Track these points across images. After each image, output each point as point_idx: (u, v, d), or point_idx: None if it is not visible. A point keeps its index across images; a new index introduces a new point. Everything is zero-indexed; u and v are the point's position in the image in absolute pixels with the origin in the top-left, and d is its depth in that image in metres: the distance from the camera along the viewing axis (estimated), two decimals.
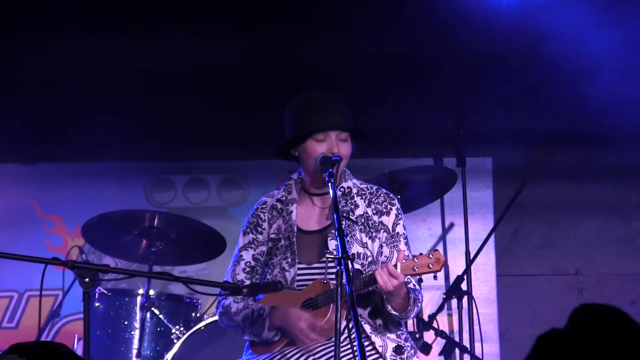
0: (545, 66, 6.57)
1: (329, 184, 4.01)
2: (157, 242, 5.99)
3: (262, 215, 4.38)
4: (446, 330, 6.71)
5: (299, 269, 4.22)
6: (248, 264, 4.33)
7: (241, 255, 4.35)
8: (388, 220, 4.27)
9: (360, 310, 4.14)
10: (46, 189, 7.15)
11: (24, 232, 7.05)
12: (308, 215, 4.32)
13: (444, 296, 6.42)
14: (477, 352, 6.25)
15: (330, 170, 4.05)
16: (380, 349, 4.12)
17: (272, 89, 6.61)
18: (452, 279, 6.49)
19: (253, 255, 4.34)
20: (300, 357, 4.09)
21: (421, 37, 6.56)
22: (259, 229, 4.36)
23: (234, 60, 6.68)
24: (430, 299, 6.86)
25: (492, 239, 6.80)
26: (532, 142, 6.90)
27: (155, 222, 5.95)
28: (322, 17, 6.49)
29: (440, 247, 7.11)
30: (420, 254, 4.07)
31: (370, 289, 4.07)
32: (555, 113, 6.82)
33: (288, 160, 4.41)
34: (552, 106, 6.82)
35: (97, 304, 5.89)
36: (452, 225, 7.14)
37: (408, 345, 4.19)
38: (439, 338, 6.14)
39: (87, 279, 3.44)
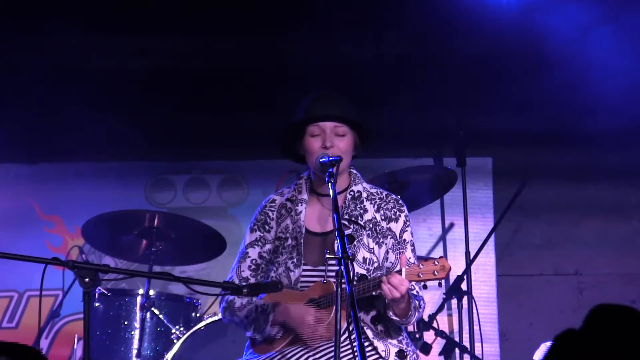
0: (545, 66, 6.57)
1: (329, 184, 3.99)
2: (157, 242, 5.99)
3: (270, 214, 4.35)
4: (446, 330, 6.71)
5: (304, 270, 4.21)
6: (254, 261, 4.31)
7: (247, 252, 4.33)
8: (396, 227, 4.26)
9: (362, 316, 4.14)
10: (46, 189, 7.15)
11: (24, 232, 7.05)
12: (316, 216, 4.29)
13: (444, 296, 6.42)
14: (477, 352, 6.25)
15: (330, 170, 4.02)
16: (383, 354, 4.11)
17: (272, 89, 6.62)
18: (452, 279, 6.48)
19: (259, 253, 4.32)
20: (300, 357, 4.08)
21: (421, 38, 6.56)
22: (267, 227, 4.33)
23: (234, 60, 6.68)
24: (430, 299, 6.85)
25: (492, 239, 6.80)
26: (532, 142, 6.89)
27: (155, 222, 5.95)
28: (322, 18, 6.48)
29: (440, 247, 7.11)
30: (426, 259, 4.06)
31: (374, 293, 4.07)
32: (556, 113, 6.82)
33: (297, 162, 4.38)
34: (552, 106, 6.82)
35: (97, 304, 5.89)
36: (452, 225, 7.14)
37: (410, 350, 4.19)
38: (439, 338, 6.14)
39: (87, 279, 3.43)
